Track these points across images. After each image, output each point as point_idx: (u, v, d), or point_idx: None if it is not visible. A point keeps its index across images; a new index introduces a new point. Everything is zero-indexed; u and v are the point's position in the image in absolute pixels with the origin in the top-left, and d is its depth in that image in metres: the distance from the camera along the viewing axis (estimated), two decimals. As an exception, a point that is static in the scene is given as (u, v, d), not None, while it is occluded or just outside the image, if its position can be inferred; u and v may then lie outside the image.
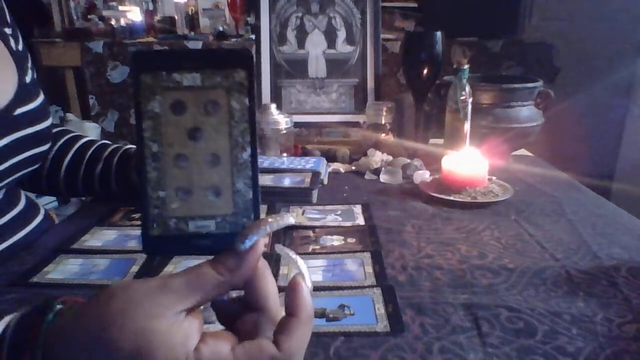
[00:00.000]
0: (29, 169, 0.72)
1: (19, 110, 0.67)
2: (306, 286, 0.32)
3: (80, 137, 0.86)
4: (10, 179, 0.68)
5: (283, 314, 0.33)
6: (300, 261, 0.33)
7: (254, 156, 0.32)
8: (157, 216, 0.31)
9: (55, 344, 0.30)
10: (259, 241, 0.31)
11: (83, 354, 0.29)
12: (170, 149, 0.31)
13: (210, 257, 0.32)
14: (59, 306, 0.32)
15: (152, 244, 0.32)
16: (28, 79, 0.72)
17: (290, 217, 0.32)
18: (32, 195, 0.82)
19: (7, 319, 0.33)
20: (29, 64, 0.74)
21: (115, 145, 0.85)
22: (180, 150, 0.31)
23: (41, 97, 0.73)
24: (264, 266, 0.32)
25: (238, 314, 0.33)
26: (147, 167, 0.31)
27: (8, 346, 0.31)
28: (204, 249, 0.32)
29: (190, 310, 0.31)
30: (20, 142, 0.68)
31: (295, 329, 0.32)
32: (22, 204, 0.75)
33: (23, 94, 0.69)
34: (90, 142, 0.85)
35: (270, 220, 0.31)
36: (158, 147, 0.31)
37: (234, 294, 0.33)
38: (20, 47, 0.74)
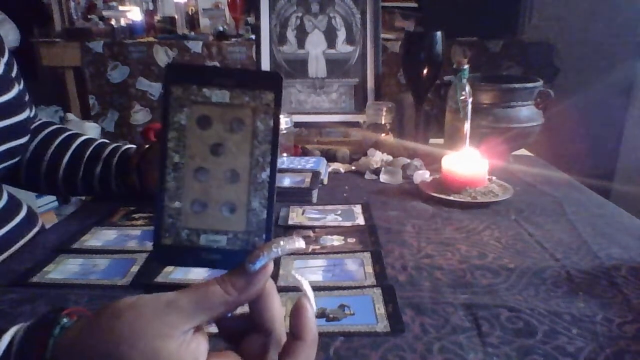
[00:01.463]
0: (7, 163, 0.72)
1: None
2: (311, 309, 0.33)
3: (77, 135, 0.86)
4: None
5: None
6: (305, 283, 0.33)
7: (272, 177, 0.32)
8: (170, 226, 0.32)
9: (62, 359, 0.30)
10: (269, 263, 0.31)
11: None
12: (191, 161, 0.32)
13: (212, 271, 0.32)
14: (65, 320, 0.32)
15: (162, 253, 0.32)
16: (0, 70, 0.72)
17: (302, 242, 0.32)
18: (24, 193, 0.81)
19: (12, 331, 0.33)
20: (4, 59, 0.74)
21: (114, 145, 0.85)
22: (201, 163, 0.32)
23: (16, 89, 0.73)
24: (270, 287, 0.32)
25: (241, 331, 0.33)
26: (167, 176, 0.32)
27: None
28: (212, 263, 0.32)
29: (196, 328, 0.31)
30: None
31: (301, 352, 0.32)
32: (3, 200, 0.75)
33: None
34: (88, 141, 0.84)
35: (281, 243, 0.31)
36: (180, 158, 0.32)
37: (238, 311, 0.33)
38: None
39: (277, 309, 0.33)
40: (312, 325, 0.32)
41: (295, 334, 0.32)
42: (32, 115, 0.78)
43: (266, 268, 0.31)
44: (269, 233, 0.32)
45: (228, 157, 0.32)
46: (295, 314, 0.32)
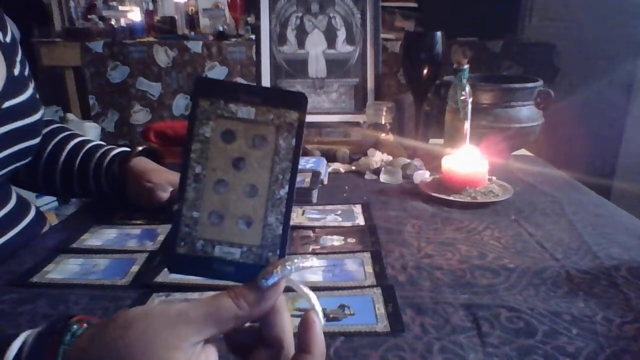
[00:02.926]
0: (19, 163, 0.72)
1: (7, 104, 0.67)
2: (319, 322, 0.33)
3: (73, 136, 0.85)
4: (1, 172, 0.68)
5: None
6: (312, 295, 0.34)
7: (290, 195, 0.33)
8: (186, 235, 0.33)
9: None
10: (281, 280, 0.31)
11: None
12: (212, 173, 0.32)
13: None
14: (75, 326, 0.32)
15: (175, 261, 0.33)
16: (16, 71, 0.72)
17: (316, 260, 0.33)
18: (25, 194, 0.81)
19: (22, 337, 0.33)
20: (18, 57, 0.74)
21: (119, 150, 0.83)
22: (222, 176, 0.32)
23: (30, 91, 0.73)
24: (281, 303, 0.33)
25: (249, 345, 0.33)
26: (187, 186, 0.32)
27: None
28: (224, 274, 0.33)
29: (206, 340, 0.31)
30: (9, 135, 0.67)
31: None
32: (12, 202, 0.75)
33: (11, 87, 0.69)
34: (97, 146, 0.83)
35: (295, 261, 0.32)
36: (202, 170, 0.32)
37: (247, 324, 0.34)
38: (8, 39, 0.73)
39: (287, 325, 0.33)
40: (321, 340, 0.33)
41: (303, 347, 0.32)
42: (43, 114, 0.78)
43: (278, 285, 0.31)
44: (283, 249, 0.33)
45: (249, 171, 0.33)
46: (304, 328, 0.32)
